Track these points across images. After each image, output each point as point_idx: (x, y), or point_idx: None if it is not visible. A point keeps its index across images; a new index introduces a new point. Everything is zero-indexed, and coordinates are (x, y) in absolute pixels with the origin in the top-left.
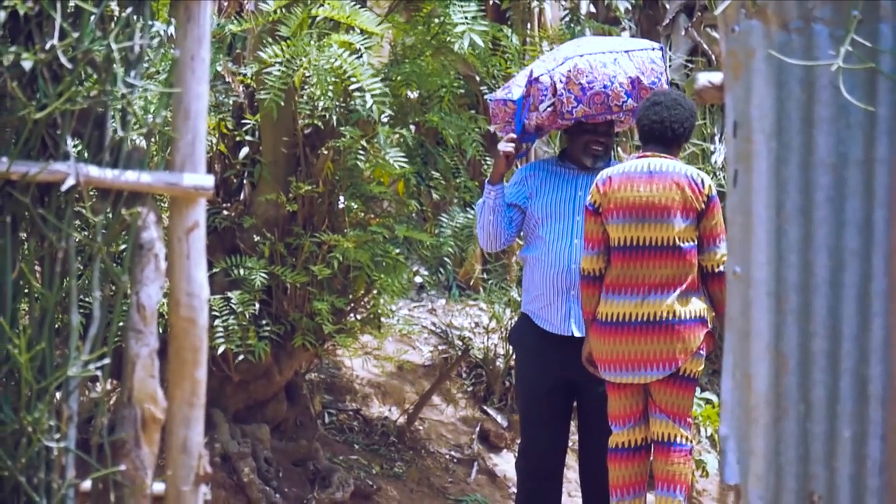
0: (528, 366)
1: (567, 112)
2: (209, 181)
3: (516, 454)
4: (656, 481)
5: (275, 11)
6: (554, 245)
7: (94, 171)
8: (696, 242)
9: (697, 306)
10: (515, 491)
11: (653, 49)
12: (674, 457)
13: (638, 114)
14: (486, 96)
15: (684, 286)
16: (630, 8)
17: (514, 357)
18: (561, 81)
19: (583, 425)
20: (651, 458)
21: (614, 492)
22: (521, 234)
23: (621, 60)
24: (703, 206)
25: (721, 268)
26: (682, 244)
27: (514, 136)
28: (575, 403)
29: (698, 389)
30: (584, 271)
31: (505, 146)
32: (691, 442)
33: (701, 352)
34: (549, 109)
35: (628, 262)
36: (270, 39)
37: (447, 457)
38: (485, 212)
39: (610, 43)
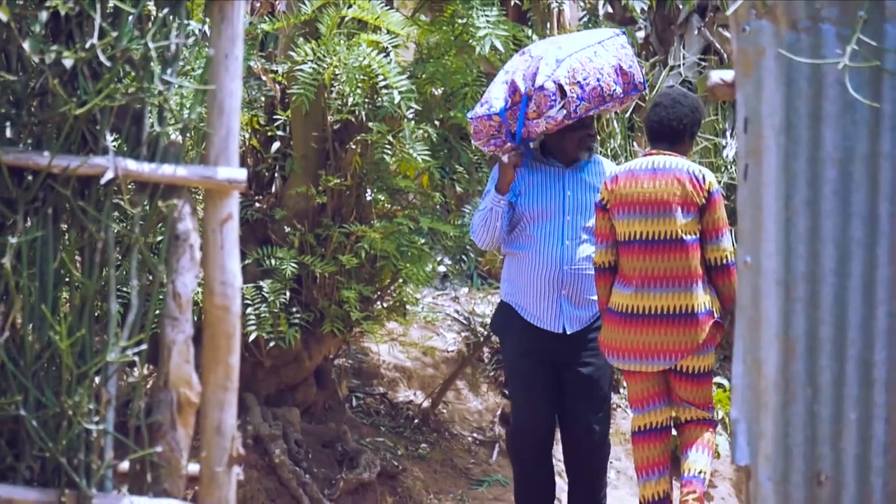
0: (516, 351)
1: (573, 111)
2: (242, 174)
3: (508, 435)
4: (684, 447)
5: (311, 12)
6: (546, 246)
7: (132, 164)
8: (698, 236)
9: (703, 298)
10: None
11: (618, 35)
12: (701, 426)
13: (645, 115)
14: (468, 115)
15: (690, 279)
16: (645, 8)
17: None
18: (567, 83)
19: (565, 406)
20: (676, 431)
21: (640, 472)
22: None
23: (600, 52)
24: (703, 200)
25: (724, 261)
26: (685, 237)
27: (511, 145)
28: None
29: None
30: (596, 264)
31: (507, 158)
32: (717, 421)
33: (709, 347)
34: (562, 112)
35: (635, 255)
36: (302, 39)
37: (469, 439)
38: (491, 219)
39: (582, 38)
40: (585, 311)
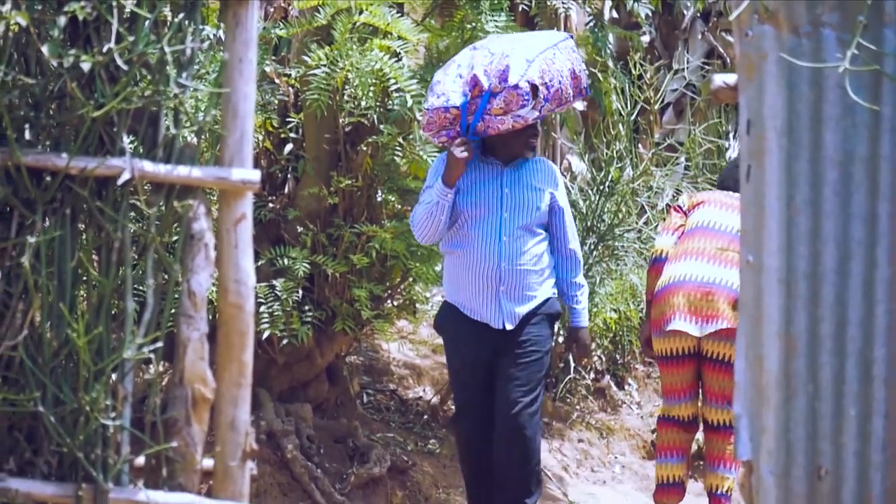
0: (459, 350)
1: (540, 112)
2: (256, 175)
3: (451, 425)
4: (711, 460)
5: (325, 19)
6: (483, 243)
7: (148, 165)
8: None
9: None
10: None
11: (566, 39)
12: (727, 436)
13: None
14: (424, 106)
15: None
16: (650, 14)
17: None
18: (539, 84)
19: (496, 389)
20: (704, 437)
21: (660, 453)
22: None
23: (557, 55)
24: None
25: None
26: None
27: (463, 139)
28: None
29: None
30: (660, 252)
31: (460, 152)
32: None
33: None
34: (534, 112)
35: (697, 237)
36: (315, 44)
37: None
38: (436, 213)
39: (540, 39)
40: (524, 307)
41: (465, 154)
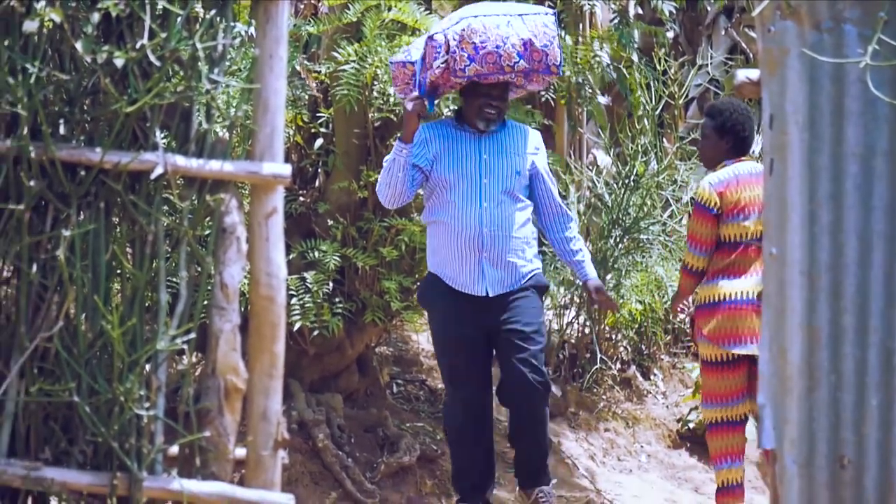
0: (445, 324)
1: (459, 70)
2: (287, 170)
3: (443, 411)
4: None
5: (355, 15)
6: (464, 209)
7: (180, 160)
8: None
9: None
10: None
11: (546, 14)
12: None
13: (730, 125)
14: (388, 60)
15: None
16: (674, 10)
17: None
18: (454, 39)
19: (501, 367)
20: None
21: (716, 460)
22: (424, 196)
23: (514, 23)
24: None
25: None
26: None
27: (417, 94)
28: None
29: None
30: (690, 267)
31: (411, 105)
32: None
33: None
34: (441, 66)
35: (752, 252)
36: (345, 41)
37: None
38: (394, 169)
39: (506, 7)
40: (507, 275)
41: (414, 106)
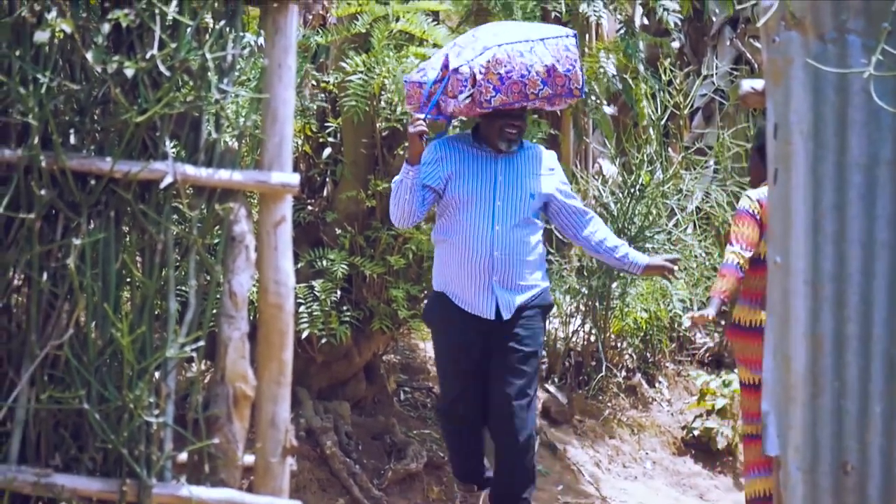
0: (450, 341)
1: (485, 101)
2: (295, 179)
3: (438, 413)
4: None
5: (363, 26)
6: (476, 231)
7: (190, 169)
8: None
9: None
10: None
11: (567, 36)
12: None
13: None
14: (403, 77)
15: None
16: (680, 21)
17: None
18: (481, 73)
19: (491, 380)
20: None
21: (748, 470)
22: (436, 213)
23: (537, 49)
24: None
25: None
26: None
27: (419, 117)
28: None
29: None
30: (733, 262)
31: (413, 128)
32: None
33: None
34: (468, 100)
35: (759, 274)
36: (353, 51)
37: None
38: (401, 190)
39: (526, 31)
40: (519, 295)
41: (417, 129)
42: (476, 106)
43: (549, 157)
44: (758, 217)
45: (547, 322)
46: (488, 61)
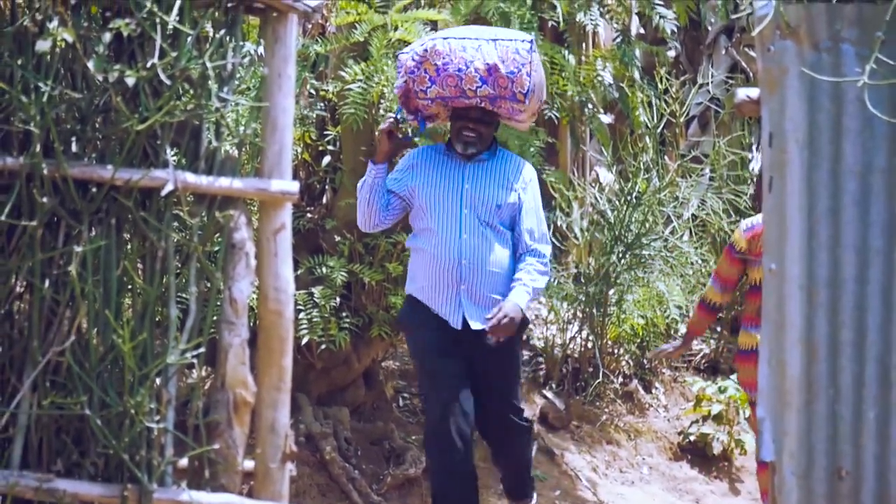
0: (427, 345)
1: (421, 91)
2: (295, 187)
3: (424, 433)
4: None
5: (361, 35)
6: (443, 240)
7: (190, 177)
8: None
9: None
10: (432, 484)
11: (522, 41)
12: None
13: None
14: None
15: None
16: (675, 30)
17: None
18: (414, 59)
19: (478, 401)
20: None
21: (764, 497)
22: (410, 221)
23: (484, 47)
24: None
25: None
26: None
27: (392, 115)
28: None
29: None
30: (707, 301)
31: (383, 125)
32: None
33: None
34: (402, 85)
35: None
36: (351, 60)
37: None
38: (363, 189)
39: (483, 31)
40: (486, 310)
41: (386, 126)
42: (414, 96)
43: (527, 170)
44: (738, 249)
45: (522, 338)
46: (426, 50)
